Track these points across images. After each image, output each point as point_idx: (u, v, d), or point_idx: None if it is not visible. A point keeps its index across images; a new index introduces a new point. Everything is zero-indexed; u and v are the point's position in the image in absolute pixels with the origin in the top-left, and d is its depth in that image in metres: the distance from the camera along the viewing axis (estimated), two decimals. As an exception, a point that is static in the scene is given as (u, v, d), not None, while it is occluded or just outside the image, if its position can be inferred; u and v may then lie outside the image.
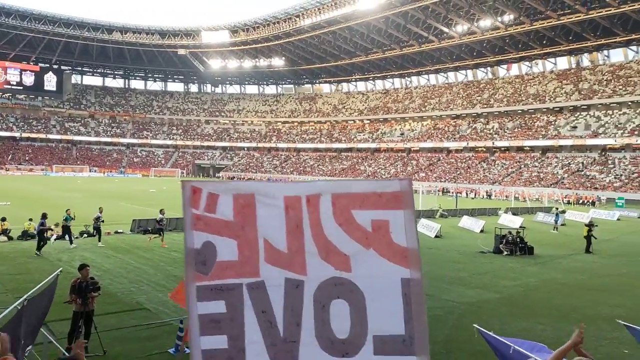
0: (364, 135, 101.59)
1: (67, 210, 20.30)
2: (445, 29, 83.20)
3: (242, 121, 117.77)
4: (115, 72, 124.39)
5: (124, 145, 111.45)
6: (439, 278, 16.47)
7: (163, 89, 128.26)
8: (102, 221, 21.36)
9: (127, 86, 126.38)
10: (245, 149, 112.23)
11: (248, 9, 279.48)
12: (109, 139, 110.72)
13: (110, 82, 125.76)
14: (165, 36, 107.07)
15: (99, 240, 20.83)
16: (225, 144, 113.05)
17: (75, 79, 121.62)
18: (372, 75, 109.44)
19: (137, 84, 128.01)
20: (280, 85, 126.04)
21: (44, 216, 18.88)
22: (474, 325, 7.34)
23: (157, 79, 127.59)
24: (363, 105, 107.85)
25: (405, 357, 2.33)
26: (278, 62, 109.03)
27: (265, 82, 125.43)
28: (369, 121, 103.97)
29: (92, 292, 8.83)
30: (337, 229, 2.45)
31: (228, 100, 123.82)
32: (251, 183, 2.65)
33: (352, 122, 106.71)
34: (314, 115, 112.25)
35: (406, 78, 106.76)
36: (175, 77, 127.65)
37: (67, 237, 20.03)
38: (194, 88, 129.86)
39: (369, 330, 2.38)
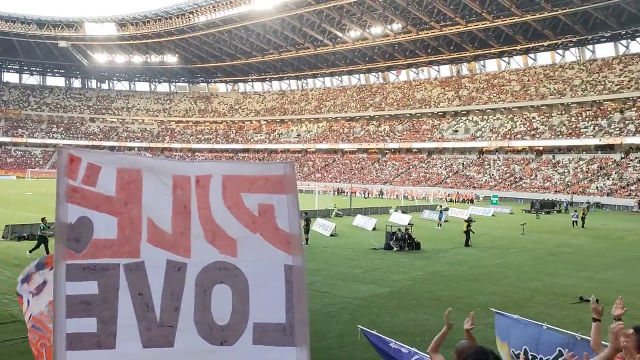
0: (261, 136, 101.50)
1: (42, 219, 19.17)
2: (340, 34, 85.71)
3: (132, 120, 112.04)
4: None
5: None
6: (334, 275, 17.04)
7: (41, 83, 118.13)
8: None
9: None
10: (136, 149, 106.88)
11: (137, 1, 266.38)
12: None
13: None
14: (44, 26, 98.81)
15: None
16: (113, 143, 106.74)
17: None
18: (268, 76, 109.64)
19: (10, 77, 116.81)
20: (174, 84, 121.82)
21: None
22: (358, 326, 7.78)
23: (34, 73, 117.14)
24: (260, 105, 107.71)
25: (284, 347, 2.30)
26: (171, 59, 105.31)
27: (157, 80, 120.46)
28: (265, 122, 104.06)
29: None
30: (226, 212, 2.37)
31: (116, 97, 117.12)
32: (139, 158, 2.49)
33: (249, 122, 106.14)
34: (210, 115, 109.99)
35: (302, 80, 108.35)
36: (55, 71, 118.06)
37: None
38: (77, 83, 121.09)
39: (250, 318, 2.31)
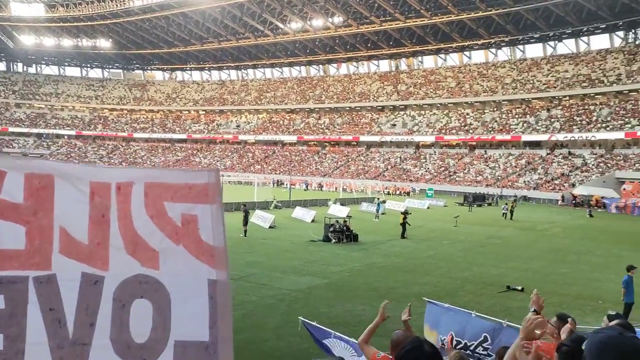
0: (199, 126, 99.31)
1: None
2: (281, 25, 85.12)
3: (62, 106, 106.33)
4: None
5: None
6: (272, 267, 16.97)
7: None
8: None
9: None
10: (66, 137, 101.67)
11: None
12: None
13: None
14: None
15: None
16: (41, 130, 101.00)
17: None
18: (207, 65, 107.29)
19: None
20: (107, 70, 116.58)
21: None
22: (299, 317, 7.79)
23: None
24: (198, 95, 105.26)
25: None
26: (104, 44, 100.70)
27: (89, 65, 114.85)
28: (204, 112, 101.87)
29: None
30: (148, 222, 2.24)
31: (44, 82, 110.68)
32: (51, 163, 2.29)
33: (187, 112, 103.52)
34: (146, 103, 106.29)
35: (242, 70, 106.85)
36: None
37: None
38: (1, 66, 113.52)
39: (171, 335, 2.17)
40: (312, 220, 30.43)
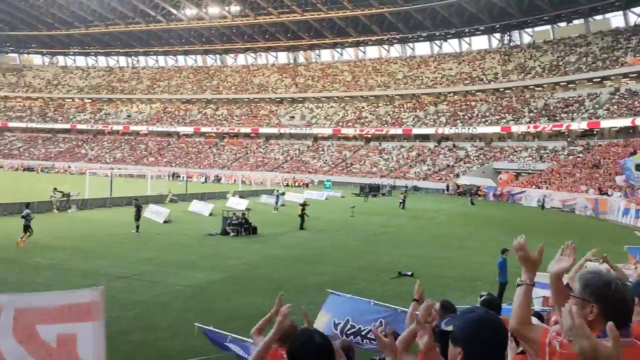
0: (84, 115, 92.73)
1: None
2: (174, 11, 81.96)
3: None
4: None
5: None
6: (166, 263, 16.40)
7: None
8: None
9: None
10: None
11: None
12: None
13: None
14: None
15: None
16: None
17: None
18: (93, 50, 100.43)
19: None
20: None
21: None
22: (195, 324, 7.62)
23: None
24: (83, 82, 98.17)
25: None
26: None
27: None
28: (90, 100, 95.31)
29: None
30: (17, 347, 2.19)
31: None
32: None
33: (71, 100, 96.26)
34: (22, 90, 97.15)
35: (133, 57, 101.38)
36: None
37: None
38: None
39: None
40: (210, 214, 29.80)
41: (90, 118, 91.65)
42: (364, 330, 7.10)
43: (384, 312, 7.27)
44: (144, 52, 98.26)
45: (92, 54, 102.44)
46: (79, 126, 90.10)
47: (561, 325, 1.57)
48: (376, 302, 7.74)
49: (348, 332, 7.04)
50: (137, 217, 22.87)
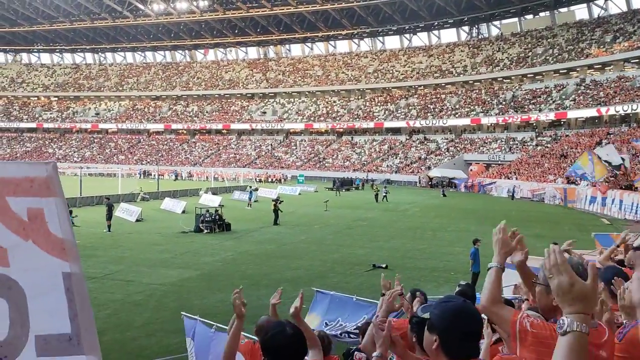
0: (51, 114, 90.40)
1: None
2: (141, 6, 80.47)
3: None
4: None
5: None
6: (139, 262, 16.20)
7: None
8: None
9: None
10: None
11: None
12: None
13: None
14: None
15: None
16: None
17: None
18: (59, 47, 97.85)
19: None
20: None
21: None
22: (182, 313, 7.59)
23: None
24: (49, 80, 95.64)
25: (72, 357, 2.17)
26: None
27: None
28: (57, 98, 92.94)
29: None
30: None
31: None
32: None
33: (36, 98, 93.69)
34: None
35: (100, 54, 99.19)
36: None
37: None
38: None
39: (31, 330, 2.15)
40: (183, 211, 29.50)
41: (57, 116, 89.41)
42: (349, 326, 7.31)
43: (365, 308, 7.49)
44: (111, 48, 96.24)
45: (57, 50, 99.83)
46: (46, 125, 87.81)
47: (546, 267, 1.62)
48: (358, 297, 7.89)
49: (338, 331, 7.28)
50: (109, 216, 22.49)
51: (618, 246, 5.22)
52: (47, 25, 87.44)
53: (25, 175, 2.16)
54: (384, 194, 39.15)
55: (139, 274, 14.54)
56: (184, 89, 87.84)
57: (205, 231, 22.60)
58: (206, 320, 6.91)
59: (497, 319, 2.23)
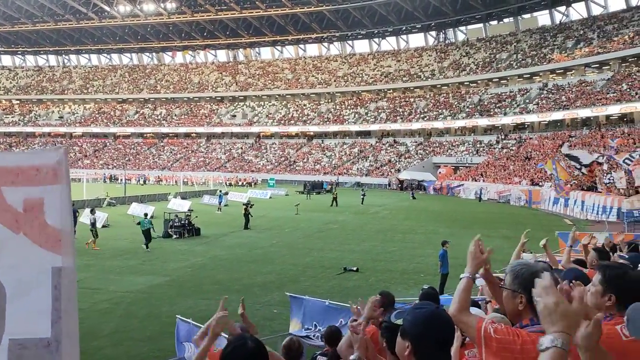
0: (13, 117, 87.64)
1: None
2: (107, 8, 78.94)
3: None
4: None
5: None
6: (106, 270, 15.86)
7: None
8: None
9: None
10: None
11: None
12: None
13: None
14: None
15: None
16: None
17: None
18: (20, 48, 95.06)
19: None
20: None
21: None
22: (177, 316, 7.44)
23: None
24: (10, 82, 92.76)
25: None
26: None
27: None
28: (18, 101, 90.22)
29: None
30: None
31: None
32: None
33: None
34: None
35: (64, 56, 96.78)
36: None
37: None
38: None
39: (5, 333, 2.01)
40: (151, 216, 28.97)
41: (19, 120, 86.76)
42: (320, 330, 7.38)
43: (339, 311, 7.56)
44: (76, 50, 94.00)
45: (20, 52, 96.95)
46: (8, 129, 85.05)
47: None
48: (331, 302, 7.94)
49: (317, 338, 7.34)
50: (73, 222, 21.92)
51: (571, 247, 5.41)
52: (9, 27, 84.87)
53: (30, 164, 2.05)
54: (362, 196, 39.39)
55: (105, 282, 14.23)
56: (152, 92, 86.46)
57: (175, 236, 22.31)
58: (199, 325, 6.83)
59: (464, 327, 2.30)
